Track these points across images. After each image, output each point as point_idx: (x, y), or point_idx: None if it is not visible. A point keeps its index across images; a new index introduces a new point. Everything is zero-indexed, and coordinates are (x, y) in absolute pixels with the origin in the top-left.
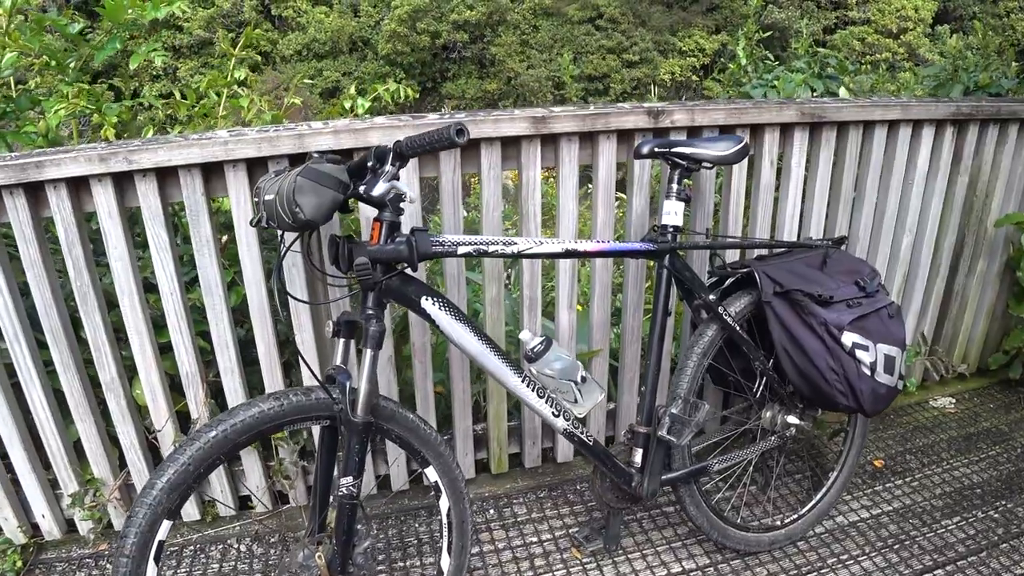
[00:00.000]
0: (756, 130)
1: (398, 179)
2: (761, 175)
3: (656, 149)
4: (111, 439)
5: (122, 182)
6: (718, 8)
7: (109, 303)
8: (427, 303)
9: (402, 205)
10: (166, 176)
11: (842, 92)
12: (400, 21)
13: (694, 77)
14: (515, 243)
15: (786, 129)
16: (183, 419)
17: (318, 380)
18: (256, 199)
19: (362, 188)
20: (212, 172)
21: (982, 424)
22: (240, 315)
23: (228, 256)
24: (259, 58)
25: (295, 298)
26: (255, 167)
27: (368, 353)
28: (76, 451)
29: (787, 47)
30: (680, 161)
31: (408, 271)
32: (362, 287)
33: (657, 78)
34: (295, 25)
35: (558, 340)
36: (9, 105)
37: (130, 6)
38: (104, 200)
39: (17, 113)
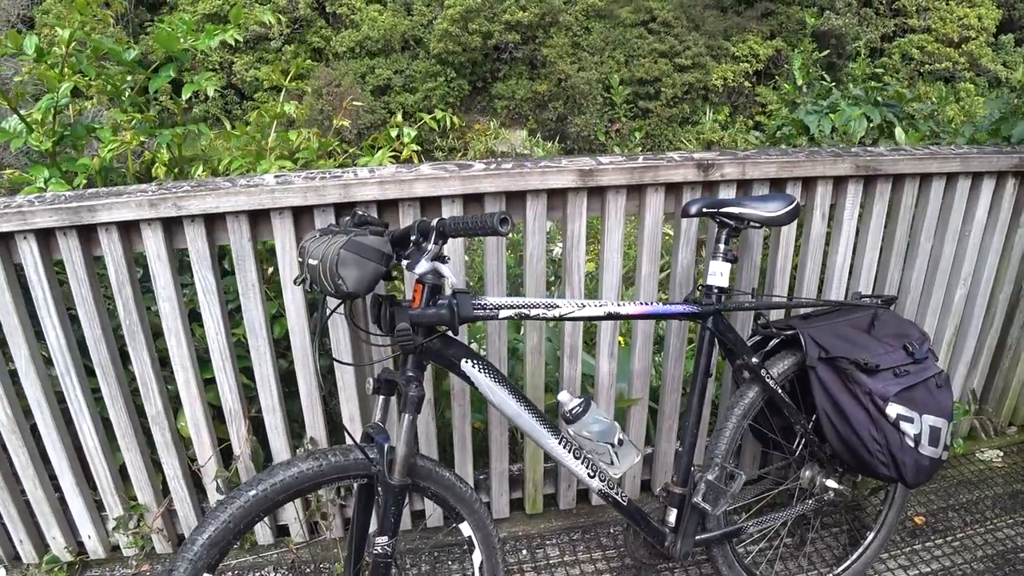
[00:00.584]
0: (808, 182)
1: (441, 258)
2: (811, 228)
3: (704, 209)
4: (155, 464)
5: (171, 225)
6: (773, 14)
7: (155, 333)
8: (467, 365)
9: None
10: (214, 220)
11: (898, 133)
12: (453, 21)
13: (747, 83)
14: (557, 306)
15: (839, 181)
16: (225, 452)
17: (356, 444)
18: (300, 259)
19: (404, 263)
20: (259, 217)
21: None
22: (282, 347)
23: (272, 288)
24: (308, 89)
25: (339, 361)
26: (301, 214)
27: (406, 418)
28: (121, 475)
29: (843, 54)
30: (728, 221)
31: (449, 333)
32: (403, 351)
33: (709, 83)
34: (348, 23)
35: (598, 386)
36: (66, 130)
37: (183, 36)
38: (153, 243)
39: (74, 140)
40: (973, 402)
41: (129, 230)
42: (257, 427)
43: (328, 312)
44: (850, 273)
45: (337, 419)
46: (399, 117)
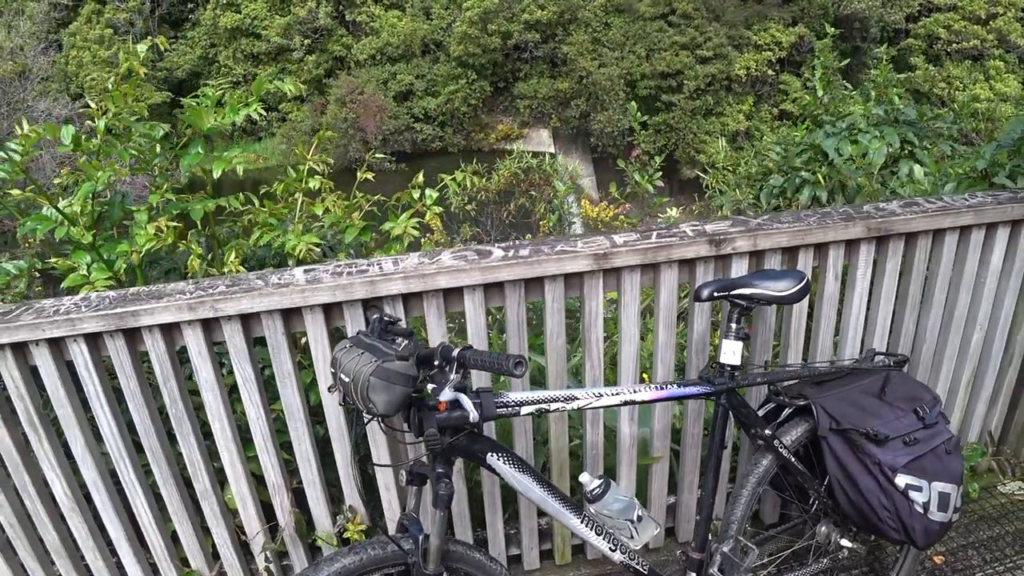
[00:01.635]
0: (820, 247)
1: (464, 388)
2: (825, 288)
3: (716, 293)
4: (204, 530)
5: (209, 323)
6: (794, 0)
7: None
8: (492, 459)
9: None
10: (249, 318)
11: (917, 171)
12: (471, 23)
13: (770, 72)
14: (576, 398)
15: (852, 243)
16: (269, 514)
17: (391, 538)
18: (333, 370)
19: (430, 387)
20: (291, 313)
21: None
22: (317, 416)
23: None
24: (331, 162)
25: (378, 464)
26: (331, 309)
27: (438, 514)
28: (173, 540)
29: (867, 37)
30: (740, 302)
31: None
32: (432, 453)
33: (732, 74)
34: (368, 30)
35: (620, 448)
36: (104, 208)
37: (209, 114)
38: (194, 341)
39: (111, 222)
40: (991, 444)
41: (171, 329)
42: (299, 500)
43: (364, 423)
44: (864, 328)
45: (377, 526)
46: (419, 178)
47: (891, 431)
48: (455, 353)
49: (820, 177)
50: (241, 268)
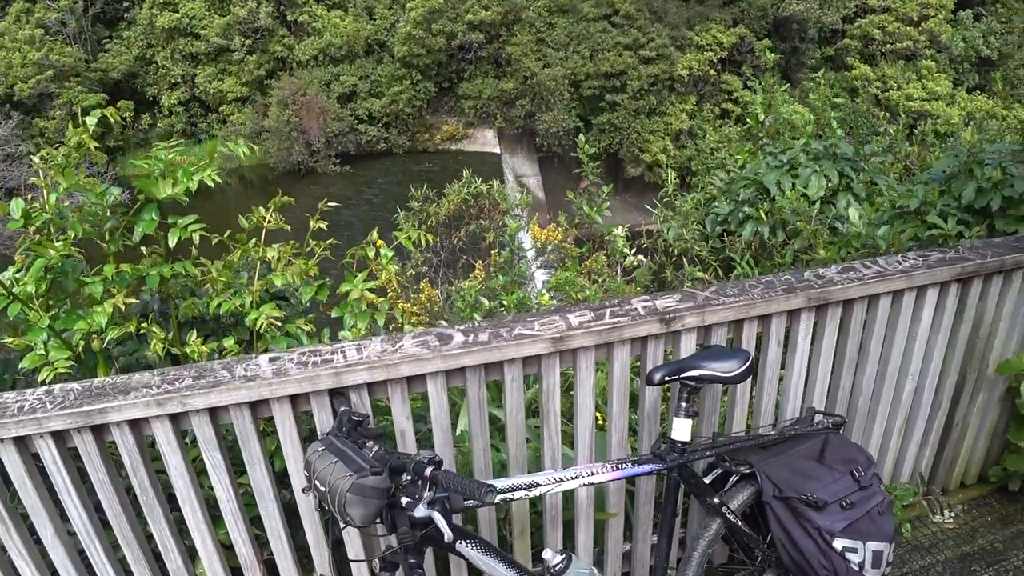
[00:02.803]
0: (764, 317)
1: (436, 505)
2: (768, 354)
3: (667, 377)
4: None
5: (178, 415)
6: (735, 1)
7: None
8: (461, 546)
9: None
10: (217, 409)
11: (852, 214)
12: (415, 23)
13: (712, 72)
14: (538, 484)
15: (794, 311)
16: None
17: None
18: (307, 473)
19: (404, 501)
20: (259, 403)
21: (979, 542)
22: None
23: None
24: (288, 228)
25: (353, 560)
26: (298, 398)
27: None
28: None
29: (805, 38)
30: (690, 383)
31: None
32: (404, 548)
33: (675, 74)
34: (311, 30)
35: (577, 507)
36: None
37: (165, 184)
38: (162, 433)
39: (64, 294)
40: (922, 483)
41: (139, 423)
42: (270, 565)
43: (340, 528)
44: (805, 387)
45: None
46: (374, 235)
47: (829, 495)
48: (428, 472)
49: (762, 213)
50: (203, 348)
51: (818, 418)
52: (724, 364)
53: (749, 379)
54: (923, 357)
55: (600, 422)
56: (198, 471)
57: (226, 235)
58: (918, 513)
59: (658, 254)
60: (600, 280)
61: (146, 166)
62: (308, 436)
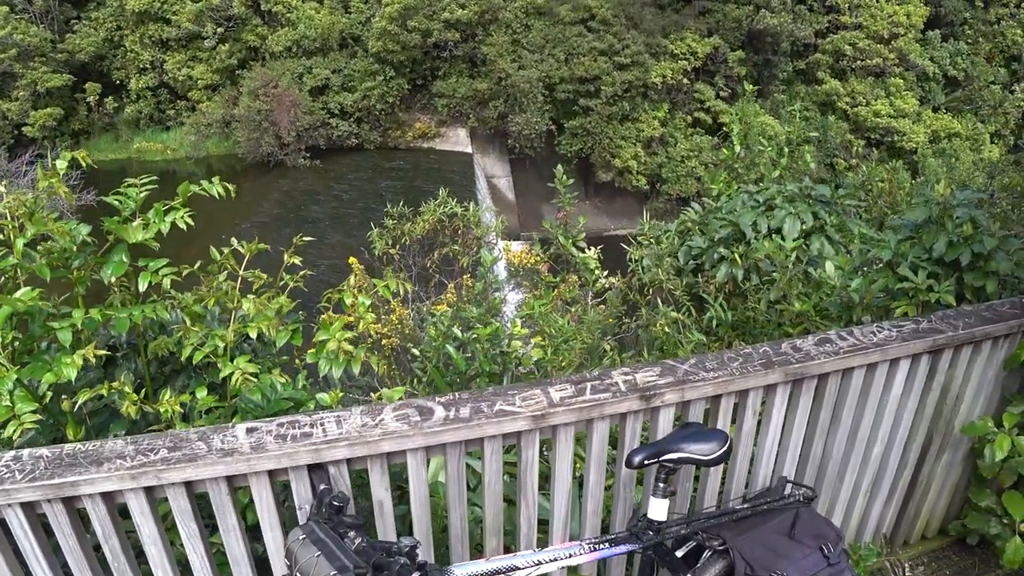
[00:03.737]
0: (742, 392)
1: None
2: (743, 424)
3: (646, 461)
4: None
5: (152, 487)
6: (710, 11)
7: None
8: None
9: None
10: (194, 481)
11: (828, 267)
12: (391, 19)
13: (685, 80)
14: (517, 568)
15: (771, 385)
16: None
17: None
18: (288, 561)
19: None
20: (236, 476)
21: None
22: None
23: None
24: (268, 248)
25: None
26: (276, 472)
27: None
28: None
29: (778, 50)
30: (668, 464)
31: None
32: None
33: (648, 81)
34: (285, 21)
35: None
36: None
37: (136, 230)
38: (136, 504)
39: (30, 341)
40: (885, 545)
41: (112, 494)
42: None
43: None
44: (777, 455)
45: None
46: (352, 280)
47: (799, 573)
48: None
49: (737, 256)
50: (176, 406)
51: (789, 487)
52: (702, 446)
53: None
54: (892, 421)
55: None
56: (168, 527)
57: (196, 266)
58: (880, 572)
59: (632, 278)
60: (573, 309)
61: (117, 204)
62: (285, 498)
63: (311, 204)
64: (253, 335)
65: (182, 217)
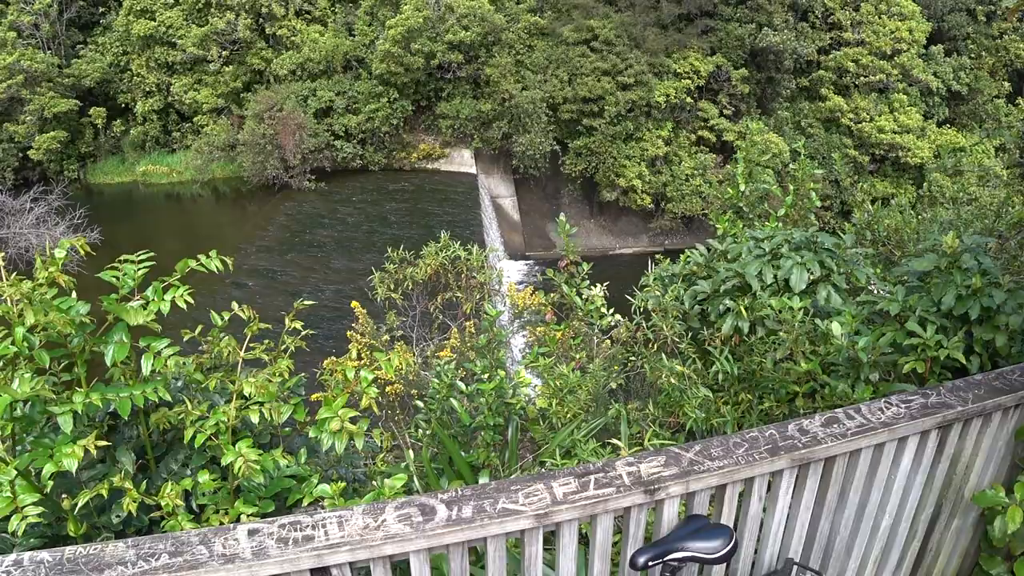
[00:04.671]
0: (748, 479)
1: None
2: (749, 508)
3: (651, 562)
4: None
5: None
6: (713, 30)
7: None
8: None
9: None
10: None
11: (835, 327)
12: (394, 41)
13: (688, 99)
14: None
15: (777, 471)
16: None
17: None
18: None
19: None
20: None
21: None
22: None
23: None
24: (269, 327)
25: None
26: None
27: None
28: None
29: (781, 68)
30: (672, 563)
31: None
32: None
33: (652, 100)
34: (289, 44)
35: None
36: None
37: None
38: None
39: (27, 425)
40: None
41: None
42: None
43: None
44: (784, 534)
45: None
46: (353, 353)
47: None
48: None
49: (743, 308)
50: (178, 499)
51: (795, 570)
52: (707, 544)
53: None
54: (901, 496)
55: None
56: None
57: (197, 331)
58: None
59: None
60: (578, 356)
61: (114, 280)
62: None
63: (316, 227)
64: (255, 419)
65: (182, 296)
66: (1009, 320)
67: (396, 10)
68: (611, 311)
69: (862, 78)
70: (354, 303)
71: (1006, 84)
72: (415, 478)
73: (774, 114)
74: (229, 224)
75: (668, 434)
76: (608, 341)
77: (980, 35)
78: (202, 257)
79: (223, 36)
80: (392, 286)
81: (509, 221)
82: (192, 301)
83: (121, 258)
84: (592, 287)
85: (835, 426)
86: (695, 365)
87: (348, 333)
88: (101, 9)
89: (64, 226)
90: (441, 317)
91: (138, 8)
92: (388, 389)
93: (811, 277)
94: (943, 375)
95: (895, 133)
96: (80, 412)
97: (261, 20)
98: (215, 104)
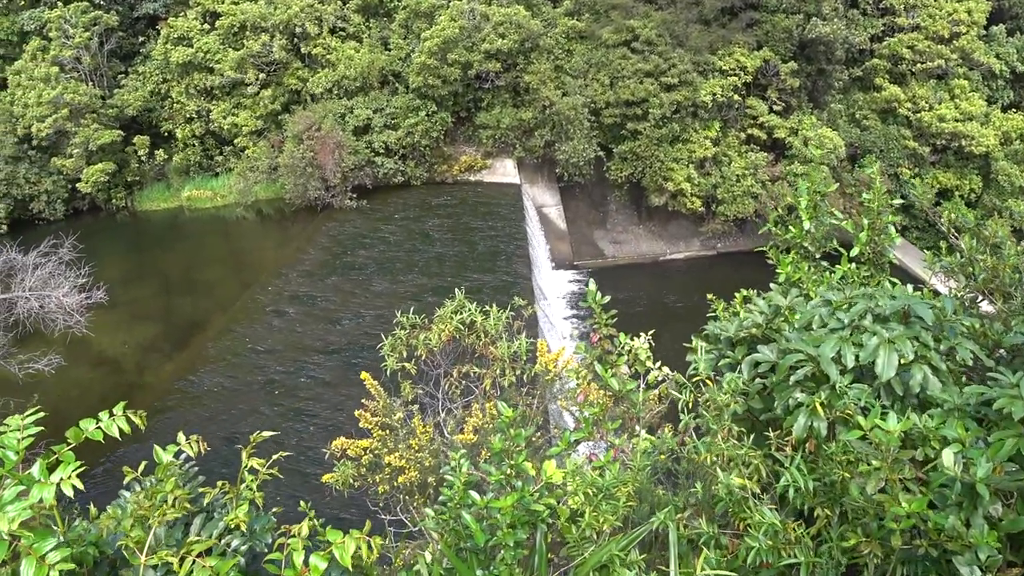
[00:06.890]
0: None
1: None
2: None
3: None
4: None
5: None
6: (758, 23)
7: None
8: None
9: None
10: None
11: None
12: (431, 53)
13: (736, 96)
14: None
15: None
16: None
17: None
18: None
19: None
20: None
21: None
22: None
23: None
24: (281, 476)
25: None
26: None
27: None
28: None
29: (832, 59)
30: None
31: None
32: None
33: (698, 100)
34: (325, 62)
35: None
36: None
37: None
38: None
39: None
40: None
41: None
42: None
43: None
44: None
45: None
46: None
47: None
48: None
49: (818, 405)
50: None
51: None
52: None
53: None
54: None
55: None
56: None
57: (140, 468)
58: None
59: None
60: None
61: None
62: None
63: (357, 248)
64: None
65: (69, 477)
66: None
67: (431, 22)
68: (658, 364)
69: (919, 65)
70: (364, 374)
71: None
72: None
73: (827, 107)
74: (272, 247)
75: (725, 560)
76: (655, 397)
77: None
78: (105, 421)
79: (259, 58)
80: (404, 353)
81: (555, 230)
82: (81, 485)
83: (7, 420)
84: (634, 337)
85: None
86: (759, 473)
87: (357, 413)
88: (141, 39)
89: (68, 286)
90: (464, 382)
91: (175, 36)
92: (401, 479)
93: (903, 360)
94: None
95: (957, 121)
96: None
97: (296, 40)
98: (255, 126)
